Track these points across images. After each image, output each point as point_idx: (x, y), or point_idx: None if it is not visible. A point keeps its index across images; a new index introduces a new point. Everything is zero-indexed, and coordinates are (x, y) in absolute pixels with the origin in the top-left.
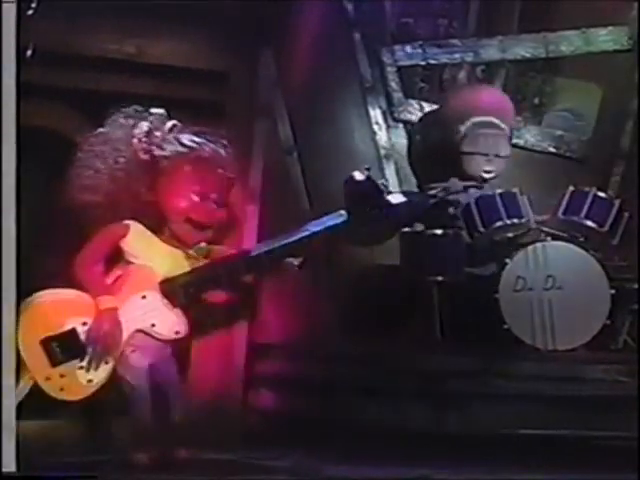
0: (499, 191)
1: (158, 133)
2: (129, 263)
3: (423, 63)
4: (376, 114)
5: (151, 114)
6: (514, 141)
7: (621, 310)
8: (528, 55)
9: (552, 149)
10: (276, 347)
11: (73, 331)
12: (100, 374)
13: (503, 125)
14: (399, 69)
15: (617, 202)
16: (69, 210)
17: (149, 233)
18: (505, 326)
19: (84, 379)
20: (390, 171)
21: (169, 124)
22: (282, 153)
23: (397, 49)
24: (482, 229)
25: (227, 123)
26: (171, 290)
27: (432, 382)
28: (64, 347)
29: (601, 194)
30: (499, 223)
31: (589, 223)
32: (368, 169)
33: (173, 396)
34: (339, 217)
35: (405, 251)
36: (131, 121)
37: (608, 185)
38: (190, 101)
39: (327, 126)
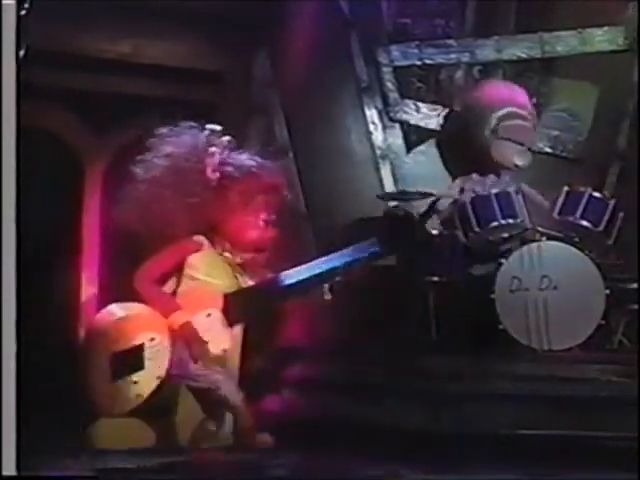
0: (494, 191)
1: (220, 153)
2: (193, 278)
3: (419, 63)
4: (372, 114)
5: (207, 130)
6: None
7: (616, 310)
8: (524, 55)
9: (548, 149)
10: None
11: (140, 347)
12: (149, 389)
13: (531, 120)
14: (395, 69)
15: (612, 202)
16: (128, 226)
17: (213, 250)
18: (501, 326)
19: (134, 393)
20: (386, 171)
21: (225, 140)
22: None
23: (393, 49)
24: (477, 229)
25: (222, 123)
26: (236, 306)
27: (427, 382)
28: (129, 362)
29: (596, 194)
30: (494, 223)
31: (584, 223)
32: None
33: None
34: (372, 247)
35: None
36: (197, 140)
37: (604, 185)
38: (185, 101)
39: (323, 126)
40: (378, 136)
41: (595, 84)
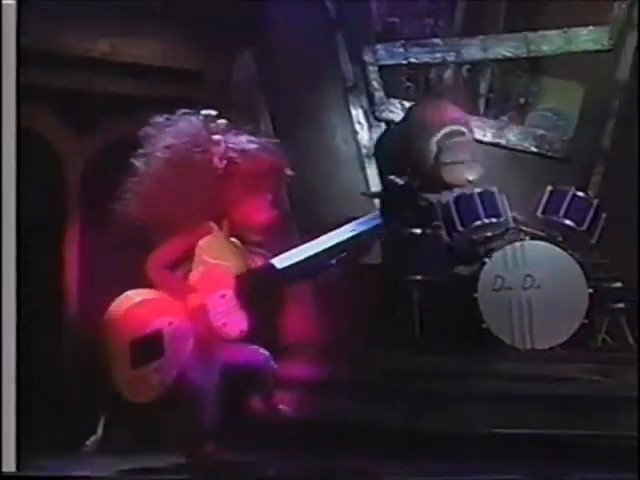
0: (478, 190)
1: (219, 136)
2: (204, 262)
3: (405, 62)
4: (358, 113)
5: (203, 115)
6: (496, 140)
7: (599, 309)
8: (509, 55)
9: (534, 148)
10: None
11: (159, 332)
12: (170, 376)
13: (468, 132)
14: (381, 68)
15: (595, 201)
16: (133, 216)
17: (221, 234)
18: (484, 325)
19: (156, 381)
20: (372, 170)
21: (221, 123)
22: None
23: (379, 48)
24: (461, 228)
25: None
26: (246, 287)
27: (411, 381)
28: (149, 348)
29: (579, 193)
30: (478, 222)
31: (567, 222)
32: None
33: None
34: (374, 220)
35: (385, 250)
36: (197, 129)
37: (589, 184)
38: (166, 100)
39: (309, 125)
40: (364, 135)
41: (581, 83)
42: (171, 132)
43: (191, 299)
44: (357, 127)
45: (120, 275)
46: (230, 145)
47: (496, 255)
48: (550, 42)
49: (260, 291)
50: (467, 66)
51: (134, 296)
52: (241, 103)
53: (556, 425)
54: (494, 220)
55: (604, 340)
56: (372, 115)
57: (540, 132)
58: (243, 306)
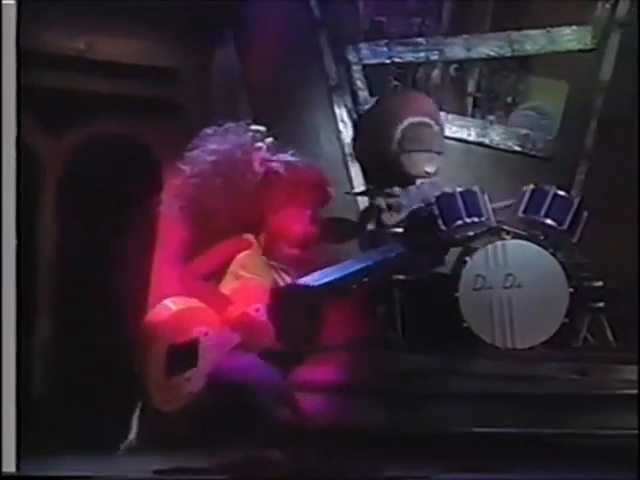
0: (459, 189)
1: (268, 152)
2: (240, 276)
3: (388, 61)
4: (342, 112)
5: (252, 130)
6: (480, 140)
7: (580, 308)
8: (493, 54)
9: (517, 148)
10: None
11: (196, 341)
12: (199, 386)
13: (436, 125)
14: (364, 67)
15: (576, 201)
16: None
17: (259, 248)
18: (465, 324)
19: (186, 391)
20: (355, 170)
21: (269, 141)
22: None
23: (362, 47)
24: (443, 227)
25: (180, 121)
26: (279, 302)
27: (391, 380)
28: (184, 357)
29: (561, 193)
30: (459, 222)
31: (548, 221)
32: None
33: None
34: (395, 250)
35: (368, 249)
36: (242, 138)
37: (573, 183)
38: (142, 99)
39: (292, 125)
40: (348, 135)
41: (567, 82)
42: (216, 140)
43: (231, 311)
44: (341, 126)
45: (164, 283)
46: (273, 158)
47: (477, 254)
48: (533, 41)
49: (292, 309)
50: (455, 65)
51: (172, 305)
52: (223, 102)
53: (536, 424)
54: (476, 219)
55: (585, 339)
56: (356, 114)
57: (524, 131)
58: (275, 320)
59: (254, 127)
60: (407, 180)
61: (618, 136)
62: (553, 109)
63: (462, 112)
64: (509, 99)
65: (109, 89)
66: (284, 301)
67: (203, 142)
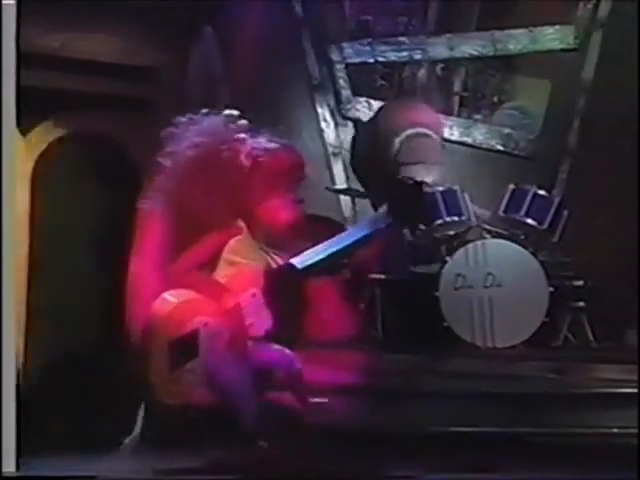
0: (440, 189)
1: (243, 134)
2: (234, 262)
3: (372, 60)
4: (324, 111)
5: (224, 115)
6: (463, 139)
7: (560, 307)
8: (476, 53)
9: (500, 147)
10: None
11: (196, 332)
12: (203, 377)
13: (435, 135)
14: (347, 66)
15: (556, 200)
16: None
17: (249, 234)
18: (445, 324)
19: (189, 381)
20: (338, 168)
21: (243, 124)
22: None
23: (346, 46)
24: (423, 227)
25: (157, 120)
26: (275, 286)
27: (372, 380)
28: (185, 350)
29: (541, 192)
30: (439, 221)
31: (529, 221)
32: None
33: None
34: (383, 221)
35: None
36: (220, 128)
37: (555, 182)
38: (118, 97)
39: (274, 124)
40: (330, 134)
41: (551, 82)
42: (196, 131)
43: (227, 299)
44: (323, 125)
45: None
46: (253, 144)
47: (457, 254)
48: (516, 41)
49: (283, 290)
50: (441, 65)
51: (171, 298)
52: (205, 100)
53: (515, 423)
54: (456, 219)
55: (566, 338)
56: (338, 113)
57: (507, 131)
58: (269, 305)
59: (227, 112)
60: None
61: (600, 135)
62: (536, 108)
63: (448, 111)
64: (495, 98)
65: (85, 87)
66: (278, 283)
67: (181, 134)
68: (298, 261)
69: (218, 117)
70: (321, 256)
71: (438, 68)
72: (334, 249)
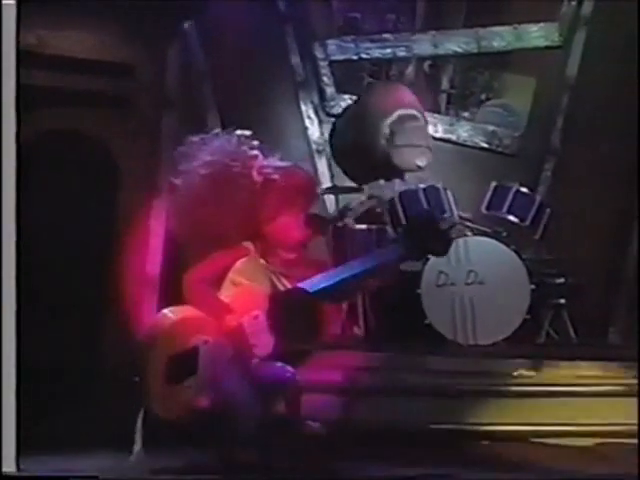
0: (422, 186)
1: (256, 151)
2: (239, 283)
3: (355, 58)
4: (308, 109)
5: (237, 135)
6: (447, 136)
7: (542, 305)
8: (460, 50)
9: (484, 144)
10: None
11: (195, 349)
12: (201, 394)
13: (421, 116)
14: (331, 63)
15: (538, 197)
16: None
17: (257, 255)
18: (426, 321)
19: (187, 399)
20: (322, 166)
21: (257, 144)
22: None
23: (329, 43)
24: (405, 224)
25: (133, 117)
26: (279, 309)
27: (353, 377)
28: (184, 366)
29: (523, 189)
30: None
31: (510, 218)
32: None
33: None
34: (396, 251)
35: (332, 246)
36: (232, 146)
37: (539, 180)
38: (94, 94)
39: (258, 121)
40: (314, 131)
41: (537, 79)
42: (208, 150)
43: (229, 319)
44: (307, 122)
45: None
46: (265, 162)
47: None
48: (501, 38)
49: (292, 313)
50: (429, 62)
51: (171, 314)
52: (188, 99)
53: (497, 420)
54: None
55: (548, 335)
56: (322, 111)
57: (491, 128)
58: (272, 328)
59: (239, 132)
60: (395, 174)
61: (584, 133)
62: (521, 106)
63: (436, 108)
64: (483, 96)
65: (62, 84)
66: (283, 306)
67: (193, 153)
68: (308, 285)
69: (230, 136)
70: (332, 282)
71: (426, 65)
72: (345, 275)
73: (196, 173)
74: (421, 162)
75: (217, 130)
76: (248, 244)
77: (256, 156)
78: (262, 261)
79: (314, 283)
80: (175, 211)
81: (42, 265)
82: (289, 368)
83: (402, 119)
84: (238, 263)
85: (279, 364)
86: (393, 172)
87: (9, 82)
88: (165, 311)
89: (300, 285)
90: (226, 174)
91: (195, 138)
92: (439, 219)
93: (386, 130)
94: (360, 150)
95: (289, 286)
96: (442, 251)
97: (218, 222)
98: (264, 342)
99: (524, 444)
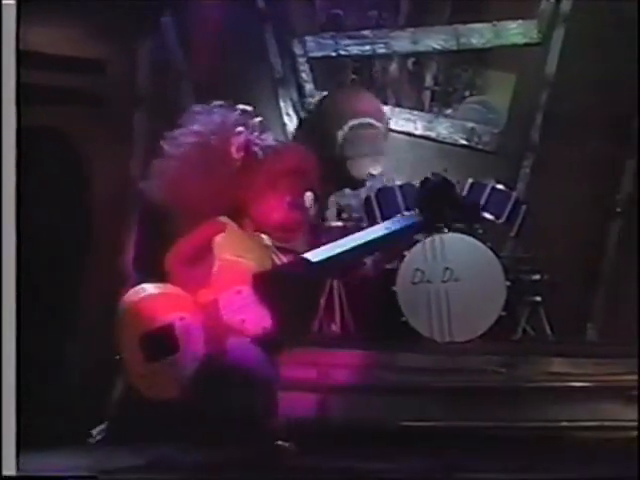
0: (399, 183)
1: (248, 133)
2: (221, 258)
3: (334, 54)
4: (287, 106)
5: (238, 109)
6: (426, 133)
7: (518, 301)
8: (439, 47)
9: (464, 141)
10: None
11: (171, 326)
12: (189, 371)
13: (379, 124)
14: (310, 60)
15: (514, 194)
16: (153, 206)
17: (239, 230)
18: (403, 318)
19: (173, 376)
20: None
21: (257, 121)
22: None
23: (308, 40)
24: (381, 221)
25: (104, 114)
26: (264, 284)
27: (328, 375)
28: (161, 343)
29: (499, 186)
30: (397, 215)
31: (486, 215)
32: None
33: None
34: (414, 218)
35: (306, 242)
36: (224, 118)
37: (518, 177)
38: (65, 90)
39: None
40: (293, 127)
41: (519, 77)
42: (200, 119)
43: (202, 294)
44: (286, 119)
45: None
46: (255, 140)
47: (415, 248)
48: (480, 35)
49: (291, 286)
50: (412, 59)
51: (146, 288)
52: (166, 95)
53: (472, 417)
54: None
55: (524, 331)
56: (301, 107)
57: (470, 125)
58: (266, 302)
59: (241, 106)
60: (355, 183)
61: (563, 130)
62: (500, 103)
63: (420, 106)
64: (467, 93)
65: (32, 80)
66: (283, 278)
67: (188, 121)
68: (312, 255)
69: (228, 110)
70: (336, 251)
71: (409, 62)
72: (350, 246)
73: (182, 141)
74: (373, 170)
75: (219, 102)
76: (223, 218)
77: (240, 132)
78: (259, 234)
79: (318, 253)
80: (159, 175)
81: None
82: (266, 359)
83: (354, 129)
84: (218, 238)
85: (258, 352)
86: (352, 181)
87: (9, 82)
88: (140, 286)
89: (304, 255)
90: (205, 146)
91: (197, 107)
92: (453, 187)
93: (340, 141)
94: (321, 160)
95: (285, 260)
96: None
97: (196, 194)
98: (254, 317)
99: (500, 441)
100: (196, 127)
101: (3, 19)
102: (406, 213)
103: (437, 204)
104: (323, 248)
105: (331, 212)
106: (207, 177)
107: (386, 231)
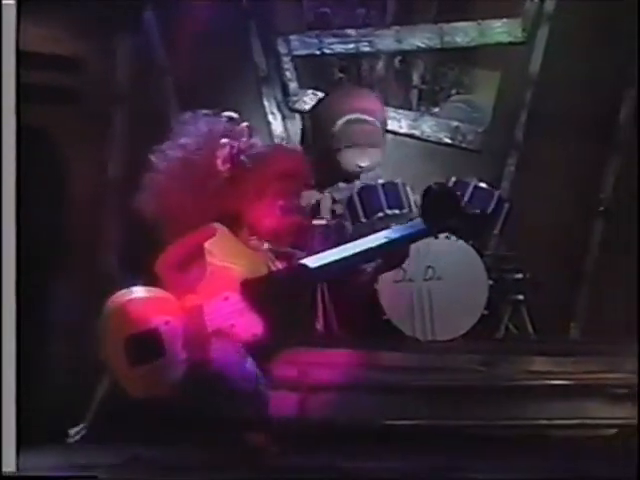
0: (381, 182)
1: (234, 142)
2: (210, 264)
3: (318, 53)
4: (271, 104)
5: (225, 117)
6: (411, 132)
7: (501, 300)
8: (423, 46)
9: (448, 140)
10: None
11: (155, 330)
12: (177, 374)
13: (374, 120)
14: (294, 58)
15: (497, 193)
16: (142, 215)
17: (231, 235)
18: (384, 317)
19: (159, 380)
20: None
21: (243, 127)
22: None
23: (292, 39)
24: (364, 219)
25: (82, 112)
26: (252, 291)
27: (310, 374)
28: (145, 346)
29: (481, 184)
30: (380, 214)
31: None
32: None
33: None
34: (418, 226)
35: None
36: (211, 127)
37: (502, 176)
38: (43, 88)
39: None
40: (277, 126)
41: (505, 75)
42: (187, 131)
43: (188, 299)
44: (270, 118)
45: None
46: (242, 148)
47: None
48: (464, 34)
49: (284, 292)
50: (399, 57)
51: (136, 291)
52: (148, 94)
53: (455, 416)
54: (397, 212)
55: (507, 330)
56: (285, 106)
57: (455, 123)
58: (256, 308)
59: (227, 114)
60: (347, 176)
61: (547, 129)
62: (485, 101)
63: (407, 104)
64: (454, 91)
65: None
66: (278, 285)
67: (175, 133)
68: (310, 262)
69: (213, 118)
70: (334, 258)
71: (396, 61)
72: (349, 253)
73: (170, 155)
74: (362, 162)
75: (205, 110)
76: (215, 224)
77: (224, 145)
78: (254, 240)
79: (317, 259)
80: (148, 189)
81: None
82: (252, 368)
83: (348, 123)
84: (207, 244)
85: (244, 361)
86: (344, 174)
87: (9, 82)
88: (132, 288)
89: (302, 261)
90: (190, 162)
91: (187, 115)
92: (456, 195)
93: (334, 134)
94: (317, 154)
95: (280, 266)
96: (466, 231)
97: (184, 208)
98: (244, 323)
99: (482, 440)
100: (182, 140)
101: (3, 19)
102: (413, 221)
103: (440, 214)
104: (321, 254)
105: (325, 206)
106: (194, 191)
107: (385, 240)
